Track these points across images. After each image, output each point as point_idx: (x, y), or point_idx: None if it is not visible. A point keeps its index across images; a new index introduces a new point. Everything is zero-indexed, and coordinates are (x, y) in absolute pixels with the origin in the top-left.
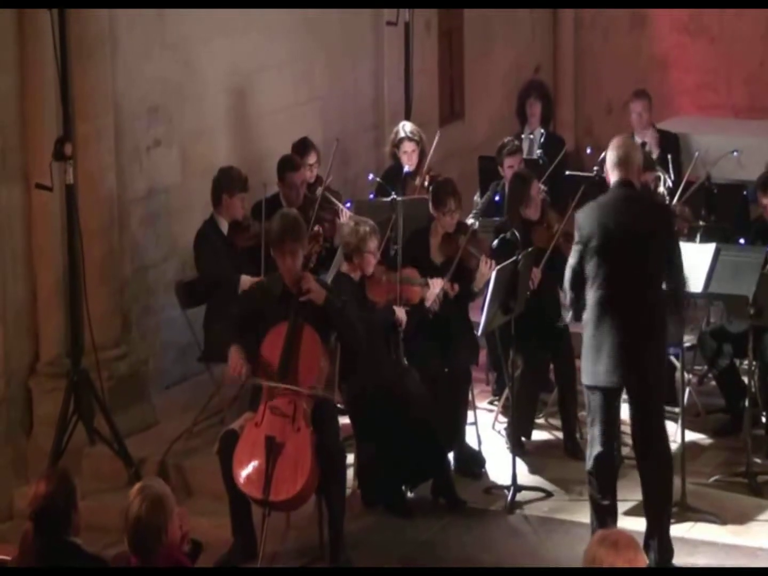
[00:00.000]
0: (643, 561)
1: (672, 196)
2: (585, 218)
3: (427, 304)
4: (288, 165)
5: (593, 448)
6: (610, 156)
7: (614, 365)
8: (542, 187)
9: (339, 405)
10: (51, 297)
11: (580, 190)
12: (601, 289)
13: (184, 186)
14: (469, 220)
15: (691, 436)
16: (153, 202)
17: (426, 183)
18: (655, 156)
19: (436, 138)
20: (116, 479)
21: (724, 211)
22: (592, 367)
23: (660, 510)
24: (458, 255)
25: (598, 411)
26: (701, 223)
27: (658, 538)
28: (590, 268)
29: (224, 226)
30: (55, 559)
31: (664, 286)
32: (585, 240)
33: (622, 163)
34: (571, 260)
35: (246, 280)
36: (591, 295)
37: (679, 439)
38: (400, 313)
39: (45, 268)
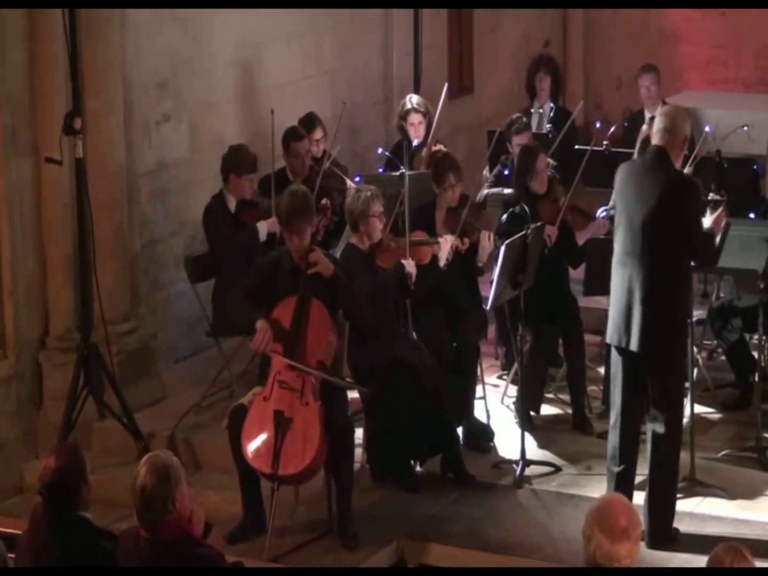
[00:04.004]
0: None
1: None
2: (618, 175)
3: (441, 263)
4: (292, 135)
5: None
6: (656, 122)
7: (614, 325)
8: (551, 161)
9: (348, 379)
10: (60, 271)
11: (583, 162)
12: (618, 245)
13: (193, 160)
14: (483, 192)
15: (701, 410)
16: (162, 177)
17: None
18: None
19: (443, 92)
20: (126, 453)
21: (734, 186)
22: (608, 320)
23: (659, 483)
24: (459, 227)
25: (613, 365)
26: (712, 196)
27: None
28: (616, 220)
29: (232, 203)
30: (64, 533)
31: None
32: (615, 195)
33: (666, 131)
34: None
35: (263, 226)
36: (614, 246)
37: (688, 414)
38: (410, 266)
39: (54, 243)
